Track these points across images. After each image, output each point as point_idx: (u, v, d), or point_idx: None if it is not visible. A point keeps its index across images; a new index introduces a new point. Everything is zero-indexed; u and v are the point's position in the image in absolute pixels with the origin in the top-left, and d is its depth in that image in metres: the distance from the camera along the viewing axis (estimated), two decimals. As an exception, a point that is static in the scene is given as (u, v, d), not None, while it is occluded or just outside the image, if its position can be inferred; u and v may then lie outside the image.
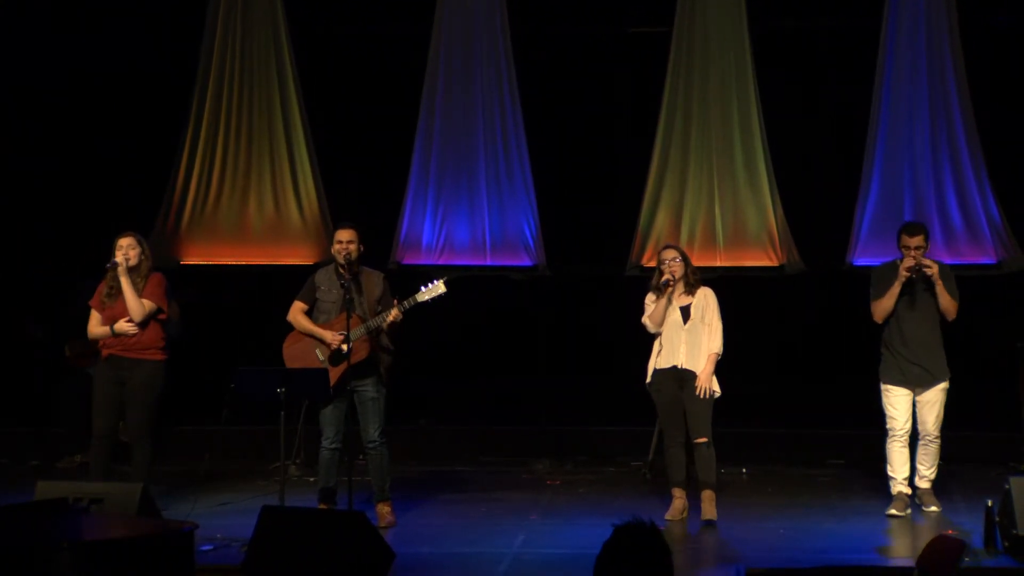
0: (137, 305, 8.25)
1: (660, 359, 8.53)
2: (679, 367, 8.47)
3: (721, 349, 8.49)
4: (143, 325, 8.29)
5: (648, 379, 8.60)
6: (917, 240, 8.59)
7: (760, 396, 10.69)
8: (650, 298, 8.64)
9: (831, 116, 11.98)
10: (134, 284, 8.27)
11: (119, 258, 8.27)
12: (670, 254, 8.63)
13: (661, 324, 8.53)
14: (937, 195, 11.49)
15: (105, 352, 8.37)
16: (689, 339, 8.48)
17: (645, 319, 8.61)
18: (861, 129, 11.63)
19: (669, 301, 8.53)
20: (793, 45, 12.01)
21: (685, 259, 8.65)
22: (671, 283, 8.51)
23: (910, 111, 11.57)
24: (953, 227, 11.44)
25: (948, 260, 10.17)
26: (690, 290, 8.58)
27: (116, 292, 8.31)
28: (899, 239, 8.70)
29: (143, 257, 8.39)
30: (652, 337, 8.64)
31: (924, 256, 8.59)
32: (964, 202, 11.47)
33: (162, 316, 8.40)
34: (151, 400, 8.36)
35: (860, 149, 11.62)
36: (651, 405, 8.82)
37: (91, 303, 8.46)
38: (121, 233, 8.41)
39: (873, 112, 11.61)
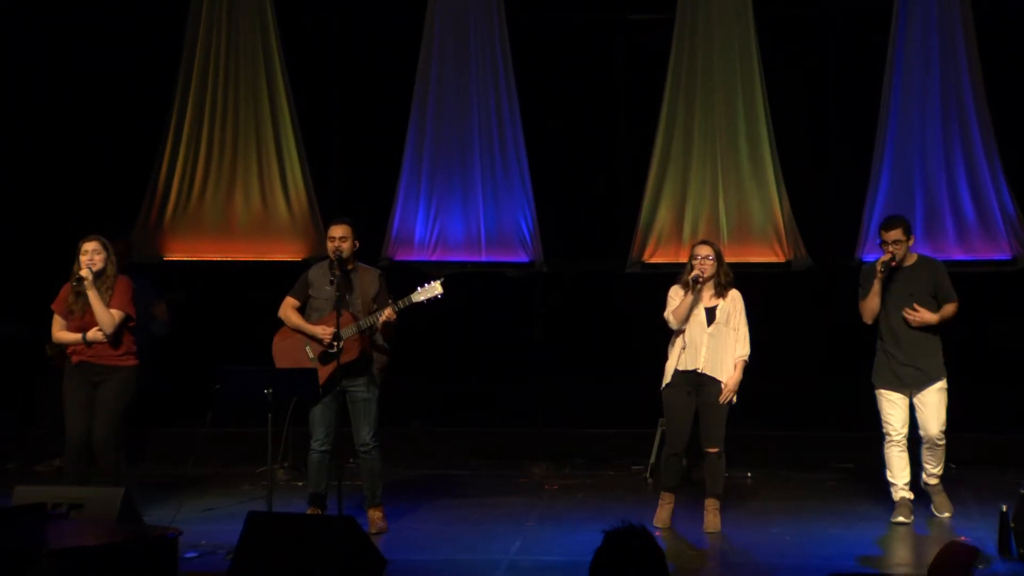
0: (107, 317, 8.09)
1: (682, 360, 8.27)
2: (699, 371, 8.23)
3: (748, 354, 8.27)
4: (114, 335, 8.12)
5: (667, 380, 8.32)
6: (893, 234, 8.36)
7: (766, 397, 10.57)
8: (675, 292, 8.34)
9: (839, 106, 11.93)
10: (101, 293, 8.09)
11: (84, 266, 8.08)
12: (703, 251, 8.30)
13: (684, 322, 8.24)
14: (949, 187, 11.47)
15: (75, 358, 8.22)
16: (711, 343, 8.20)
17: (668, 314, 8.31)
18: (871, 119, 11.59)
19: (696, 300, 8.24)
20: (800, 32, 12.02)
21: (719, 257, 8.32)
22: (700, 281, 8.22)
23: (921, 101, 11.55)
24: (966, 221, 11.44)
25: (961, 256, 10.11)
26: (720, 291, 8.28)
27: (84, 301, 8.15)
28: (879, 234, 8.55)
29: (108, 262, 8.20)
30: (663, 336, 8.39)
31: (910, 250, 8.39)
32: (977, 195, 11.45)
33: (131, 323, 8.26)
34: (121, 408, 8.24)
35: (870, 140, 11.59)
36: (653, 406, 8.71)
37: (54, 307, 8.30)
38: (85, 236, 8.23)
39: (883, 102, 11.59)
